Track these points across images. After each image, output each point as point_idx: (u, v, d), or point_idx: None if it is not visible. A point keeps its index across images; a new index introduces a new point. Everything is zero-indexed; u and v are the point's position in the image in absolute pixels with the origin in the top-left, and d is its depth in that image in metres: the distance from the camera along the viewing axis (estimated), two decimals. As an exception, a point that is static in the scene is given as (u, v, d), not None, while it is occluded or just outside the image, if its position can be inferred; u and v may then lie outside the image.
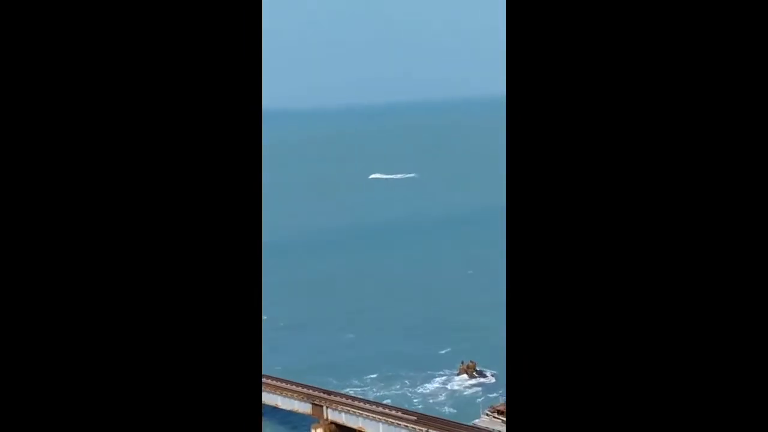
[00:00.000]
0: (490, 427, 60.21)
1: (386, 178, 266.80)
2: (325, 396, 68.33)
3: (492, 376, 78.19)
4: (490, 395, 72.74)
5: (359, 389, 76.26)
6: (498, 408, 62.81)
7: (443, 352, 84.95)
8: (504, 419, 60.80)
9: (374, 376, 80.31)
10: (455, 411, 68.87)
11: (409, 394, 75.96)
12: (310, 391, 69.30)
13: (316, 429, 66.47)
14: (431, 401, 74.43)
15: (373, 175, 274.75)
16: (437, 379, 79.27)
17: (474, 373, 78.83)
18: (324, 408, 66.92)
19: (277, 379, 72.23)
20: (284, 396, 69.84)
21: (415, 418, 62.96)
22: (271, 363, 78.70)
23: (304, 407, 68.54)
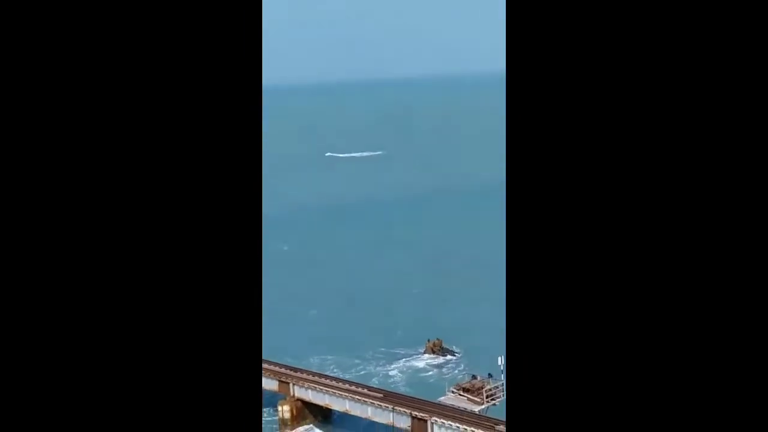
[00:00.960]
0: (456, 404, 60.89)
1: (343, 157, 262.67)
2: (291, 373, 68.53)
3: (458, 353, 78.94)
4: (456, 373, 73.54)
5: (326, 365, 76.51)
6: (463, 386, 63.46)
7: (407, 330, 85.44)
8: (468, 396, 61.55)
9: (339, 353, 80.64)
10: (421, 388, 69.43)
11: (374, 371, 76.45)
12: (277, 368, 69.38)
13: (282, 406, 66.66)
14: (397, 378, 75.02)
15: (328, 153, 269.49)
16: (403, 356, 79.83)
17: (440, 351, 79.51)
18: (290, 385, 67.16)
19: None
20: (251, 373, 69.76)
21: (381, 395, 63.47)
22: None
23: (270, 384, 68.57)
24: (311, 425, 66.47)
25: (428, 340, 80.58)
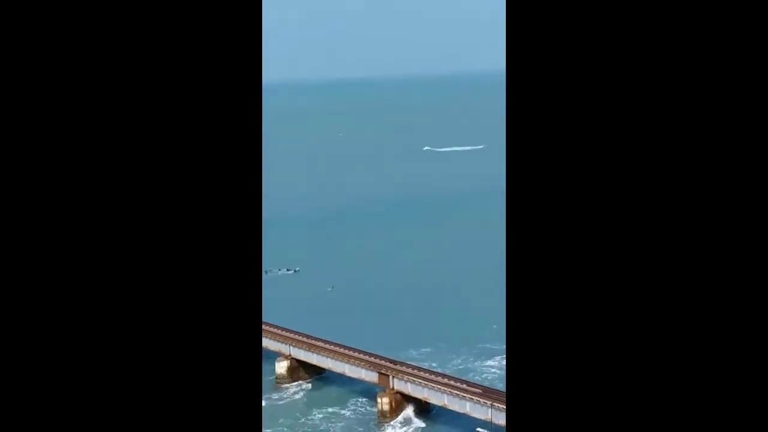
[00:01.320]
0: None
1: (442, 151, 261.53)
2: (391, 365, 69.47)
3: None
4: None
5: (423, 359, 77.11)
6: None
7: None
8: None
9: (437, 346, 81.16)
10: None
11: (472, 366, 76.65)
12: (377, 360, 70.51)
13: (382, 398, 67.66)
14: (496, 374, 75.01)
15: (426, 147, 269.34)
16: (502, 352, 79.53)
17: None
18: (390, 377, 68.09)
19: (345, 347, 73.61)
20: (351, 364, 71.22)
21: (480, 391, 63.71)
22: (333, 329, 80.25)
23: (370, 376, 69.82)
24: (409, 418, 67.28)
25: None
